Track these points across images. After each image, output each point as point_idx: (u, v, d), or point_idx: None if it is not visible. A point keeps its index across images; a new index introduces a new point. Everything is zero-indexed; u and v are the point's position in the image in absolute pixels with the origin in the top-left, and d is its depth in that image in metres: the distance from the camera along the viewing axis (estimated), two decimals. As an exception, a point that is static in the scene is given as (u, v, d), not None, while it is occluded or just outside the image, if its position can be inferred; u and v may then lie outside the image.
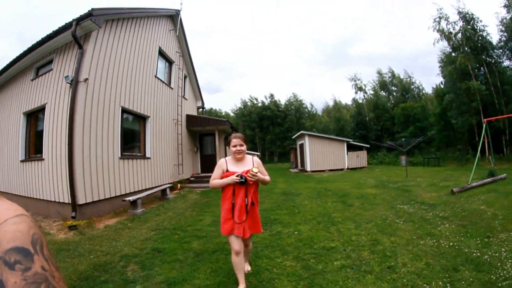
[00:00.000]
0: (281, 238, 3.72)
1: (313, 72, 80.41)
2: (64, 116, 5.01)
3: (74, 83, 5.07)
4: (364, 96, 32.33)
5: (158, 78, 8.43)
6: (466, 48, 17.88)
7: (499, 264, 2.62)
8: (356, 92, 34.17)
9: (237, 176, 2.23)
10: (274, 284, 2.48)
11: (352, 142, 17.28)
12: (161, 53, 8.91)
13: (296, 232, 3.94)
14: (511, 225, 3.78)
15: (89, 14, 5.29)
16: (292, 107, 38.76)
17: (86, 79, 5.22)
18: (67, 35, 5.36)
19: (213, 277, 2.67)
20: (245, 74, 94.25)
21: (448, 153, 19.38)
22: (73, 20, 5.28)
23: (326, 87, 77.03)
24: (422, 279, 2.41)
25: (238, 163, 2.40)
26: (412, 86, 30.93)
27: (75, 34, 5.19)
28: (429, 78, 59.56)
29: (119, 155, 5.98)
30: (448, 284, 2.30)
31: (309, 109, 41.68)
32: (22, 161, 6.34)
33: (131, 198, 5.58)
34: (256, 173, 2.25)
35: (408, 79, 31.12)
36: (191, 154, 10.66)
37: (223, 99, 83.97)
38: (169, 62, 9.68)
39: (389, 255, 2.92)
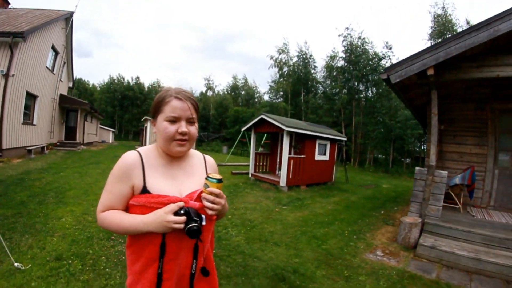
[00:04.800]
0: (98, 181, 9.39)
1: (188, 60, 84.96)
2: (-4, 95, 8.27)
3: (5, 76, 8.42)
4: (211, 94, 39.83)
5: (47, 68, 11.54)
6: (292, 78, 25.79)
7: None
8: (206, 91, 41.23)
9: (178, 212, 0.81)
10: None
11: None
12: (53, 48, 11.92)
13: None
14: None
15: (22, 34, 8.68)
16: (153, 92, 42.07)
17: (13, 75, 8.63)
18: (2, 39, 8.45)
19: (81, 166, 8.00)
20: (119, 45, 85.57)
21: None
22: (9, 33, 8.50)
23: (198, 76, 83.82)
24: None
25: (174, 168, 0.95)
26: (257, 95, 39.64)
27: (11, 44, 8.50)
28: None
29: (21, 121, 9.43)
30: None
31: (170, 96, 46.46)
32: None
33: (28, 148, 9.35)
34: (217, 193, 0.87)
35: (254, 88, 39.94)
36: (59, 125, 13.68)
37: (91, 65, 73.65)
38: (56, 53, 12.58)
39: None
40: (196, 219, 0.80)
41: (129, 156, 0.91)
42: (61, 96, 13.64)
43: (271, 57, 27.94)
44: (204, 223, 0.84)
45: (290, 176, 8.01)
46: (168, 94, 0.92)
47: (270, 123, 8.44)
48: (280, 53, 27.59)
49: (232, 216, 5.11)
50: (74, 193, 5.62)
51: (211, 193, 0.85)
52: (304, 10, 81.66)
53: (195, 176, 0.96)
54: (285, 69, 27.77)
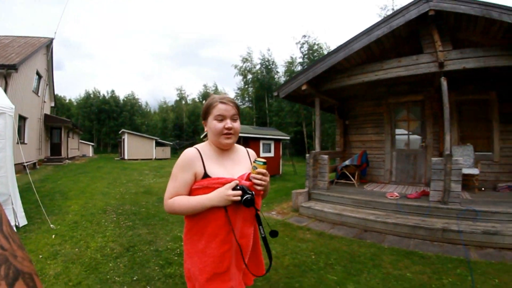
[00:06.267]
0: (89, 185, 10.95)
1: (160, 68, 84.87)
2: (-4, 119, 9.58)
3: (3, 103, 9.75)
4: (184, 103, 40.77)
5: (33, 91, 12.82)
6: (255, 85, 28.73)
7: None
8: (180, 100, 41.75)
9: (235, 188, 1.05)
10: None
11: (159, 140, 24.99)
12: (37, 73, 13.20)
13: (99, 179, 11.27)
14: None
15: (15, 67, 10.06)
16: (128, 104, 42.75)
17: (9, 101, 9.97)
18: (-1, 72, 9.82)
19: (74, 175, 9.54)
20: (90, 56, 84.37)
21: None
22: (3, 66, 9.86)
23: (171, 85, 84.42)
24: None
25: (224, 158, 1.19)
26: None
27: (5, 75, 9.86)
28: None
29: (17, 141, 10.70)
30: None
31: (144, 107, 47.32)
32: None
33: (23, 164, 10.64)
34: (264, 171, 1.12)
35: (225, 95, 42.90)
36: (45, 142, 14.83)
37: (65, 78, 72.17)
38: (40, 77, 13.83)
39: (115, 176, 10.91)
40: (249, 192, 1.04)
41: (190, 151, 1.12)
42: (46, 115, 14.82)
43: (235, 66, 30.02)
44: (254, 197, 1.05)
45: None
46: (214, 100, 1.16)
47: None
48: (244, 62, 29.80)
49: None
50: (74, 193, 7.31)
51: (258, 173, 1.09)
52: (266, 18, 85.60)
53: (241, 164, 1.19)
54: (249, 76, 29.84)
